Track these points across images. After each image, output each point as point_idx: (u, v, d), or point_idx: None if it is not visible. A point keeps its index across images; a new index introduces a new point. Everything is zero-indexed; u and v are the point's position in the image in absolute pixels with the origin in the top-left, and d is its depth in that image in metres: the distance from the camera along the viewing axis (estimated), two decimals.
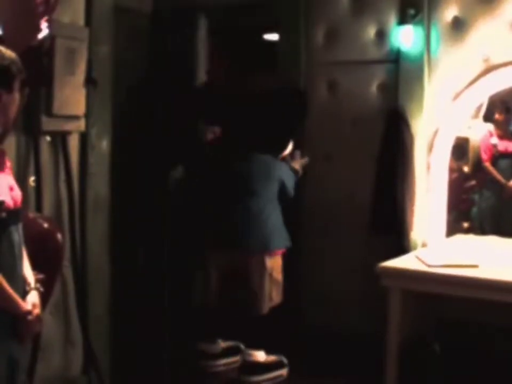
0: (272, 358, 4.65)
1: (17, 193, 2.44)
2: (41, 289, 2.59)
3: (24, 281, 2.50)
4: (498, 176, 5.81)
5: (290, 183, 4.53)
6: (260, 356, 4.57)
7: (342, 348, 4.52)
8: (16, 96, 2.40)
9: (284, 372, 4.65)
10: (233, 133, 4.56)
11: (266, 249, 4.43)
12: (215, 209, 4.55)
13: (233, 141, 4.56)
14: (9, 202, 2.35)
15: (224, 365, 4.68)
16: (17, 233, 2.41)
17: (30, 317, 2.42)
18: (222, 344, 4.72)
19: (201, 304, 4.67)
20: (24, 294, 2.48)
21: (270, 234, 4.44)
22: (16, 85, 2.39)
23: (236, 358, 4.69)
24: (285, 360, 4.65)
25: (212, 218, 4.57)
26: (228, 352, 4.71)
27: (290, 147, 4.63)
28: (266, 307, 4.49)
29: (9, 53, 2.37)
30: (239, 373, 4.58)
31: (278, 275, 4.55)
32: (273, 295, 4.53)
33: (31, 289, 2.53)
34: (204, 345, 4.69)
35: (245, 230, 4.42)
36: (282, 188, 4.49)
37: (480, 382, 3.90)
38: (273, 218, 4.48)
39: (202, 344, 4.70)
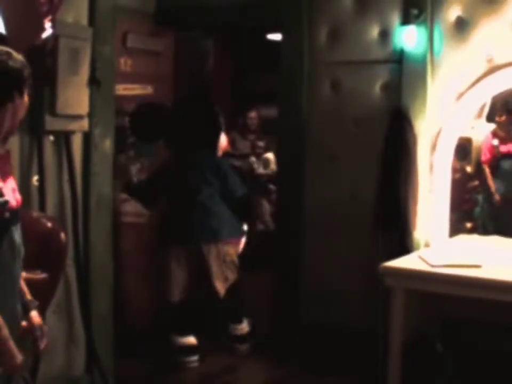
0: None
1: (18, 195, 2.47)
2: (37, 303, 2.59)
3: (20, 281, 2.49)
4: (491, 182, 5.83)
5: (233, 178, 5.04)
6: (245, 327, 5.10)
7: (343, 348, 4.52)
8: (26, 100, 2.41)
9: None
10: (174, 139, 5.07)
11: (216, 239, 4.85)
12: (169, 208, 4.98)
13: (177, 146, 5.05)
14: (13, 202, 2.37)
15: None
16: (17, 233, 2.42)
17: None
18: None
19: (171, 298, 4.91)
20: (21, 298, 2.48)
21: (219, 224, 4.86)
22: (26, 89, 2.40)
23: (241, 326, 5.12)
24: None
25: (167, 217, 4.99)
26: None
27: (223, 142, 5.23)
28: (223, 290, 4.90)
29: (20, 57, 2.39)
30: (232, 342, 5.09)
31: (233, 257, 4.96)
32: (228, 274, 4.94)
33: (31, 306, 2.53)
34: (180, 340, 4.86)
35: (194, 223, 4.83)
36: (225, 183, 4.95)
37: (483, 381, 3.90)
38: (218, 210, 4.90)
39: (178, 339, 4.87)
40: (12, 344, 2.30)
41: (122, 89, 5.19)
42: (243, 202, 5.06)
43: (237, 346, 5.10)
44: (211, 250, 4.84)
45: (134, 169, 5.30)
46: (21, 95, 2.37)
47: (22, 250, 2.46)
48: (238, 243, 5.03)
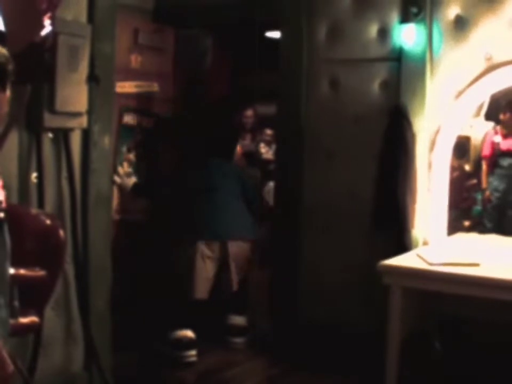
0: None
1: (3, 193, 2.44)
2: None
3: (9, 282, 2.47)
4: (484, 181, 5.86)
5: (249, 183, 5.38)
6: (241, 320, 5.22)
7: (342, 347, 4.53)
8: (8, 96, 2.35)
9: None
10: (193, 145, 5.29)
11: (240, 237, 5.08)
12: (185, 204, 5.09)
13: (195, 151, 5.26)
14: (4, 202, 2.36)
15: None
16: (8, 232, 2.40)
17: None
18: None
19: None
20: (11, 298, 2.46)
21: (242, 223, 5.13)
22: (9, 84, 2.34)
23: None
24: None
25: (183, 213, 5.11)
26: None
27: (238, 149, 5.60)
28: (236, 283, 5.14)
29: (4, 50, 2.34)
30: (229, 335, 5.21)
31: (249, 254, 5.19)
32: (244, 270, 5.20)
33: None
34: (178, 333, 4.89)
35: (219, 221, 5.02)
36: (243, 186, 5.27)
37: (481, 379, 3.91)
38: (241, 210, 5.16)
39: (178, 333, 4.90)
40: (4, 353, 2.25)
41: (133, 86, 5.21)
42: (257, 210, 5.41)
43: (234, 340, 5.18)
44: (234, 247, 5.07)
45: (141, 165, 5.33)
46: (4, 90, 2.31)
47: (9, 248, 2.44)
48: (253, 243, 5.25)
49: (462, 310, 4.11)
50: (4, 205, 2.35)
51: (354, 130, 4.72)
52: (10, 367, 2.29)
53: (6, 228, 2.38)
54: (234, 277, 5.09)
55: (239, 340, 5.19)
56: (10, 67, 2.33)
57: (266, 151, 7.16)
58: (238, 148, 5.60)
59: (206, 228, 5.02)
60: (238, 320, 5.22)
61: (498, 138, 5.85)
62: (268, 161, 6.96)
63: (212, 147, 5.22)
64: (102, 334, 4.04)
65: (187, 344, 4.84)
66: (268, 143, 7.12)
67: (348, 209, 4.73)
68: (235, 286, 5.11)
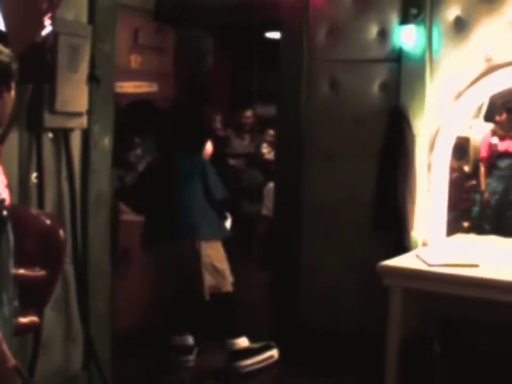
0: (259, 344, 4.77)
1: (7, 191, 2.45)
2: None
3: (14, 281, 2.48)
4: (483, 182, 5.87)
5: (215, 181, 4.90)
6: (243, 341, 4.71)
7: (342, 348, 4.53)
8: (12, 95, 2.37)
9: (274, 352, 4.76)
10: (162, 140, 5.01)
11: (193, 236, 4.66)
12: (150, 204, 4.87)
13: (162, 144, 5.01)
14: (7, 200, 2.36)
15: (262, 361, 4.76)
16: (11, 230, 2.41)
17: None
18: (254, 344, 4.78)
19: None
20: (14, 297, 2.47)
21: (197, 223, 4.69)
22: (13, 84, 2.36)
23: (271, 353, 4.79)
24: (272, 344, 4.77)
25: (149, 217, 4.88)
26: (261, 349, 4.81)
27: (209, 148, 5.01)
28: (206, 292, 4.65)
29: (7, 50, 2.35)
30: (228, 362, 4.70)
31: (219, 263, 4.72)
32: (206, 277, 4.65)
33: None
34: (177, 339, 4.83)
35: (176, 219, 4.71)
36: (206, 185, 4.82)
37: (481, 381, 3.91)
38: (199, 210, 4.75)
39: (176, 338, 4.83)
40: (4, 347, 2.24)
41: (132, 86, 5.21)
42: (223, 205, 4.95)
43: (235, 366, 4.68)
44: (190, 249, 4.67)
45: (141, 167, 5.32)
46: (9, 90, 2.33)
47: (13, 246, 2.45)
48: (218, 246, 4.79)
49: (462, 311, 4.11)
50: (7, 203, 2.36)
51: (354, 131, 4.72)
52: (11, 362, 2.27)
53: (9, 226, 2.39)
54: (199, 284, 4.64)
55: (243, 363, 4.69)
56: (14, 66, 2.35)
57: (268, 152, 7.16)
58: (210, 146, 5.09)
59: (158, 231, 4.77)
60: (237, 343, 4.71)
61: (495, 140, 5.86)
62: (269, 162, 6.95)
63: (181, 139, 4.90)
64: (101, 334, 4.05)
65: (186, 349, 4.83)
66: (271, 144, 7.12)
67: (348, 210, 4.73)
68: (203, 293, 4.63)
